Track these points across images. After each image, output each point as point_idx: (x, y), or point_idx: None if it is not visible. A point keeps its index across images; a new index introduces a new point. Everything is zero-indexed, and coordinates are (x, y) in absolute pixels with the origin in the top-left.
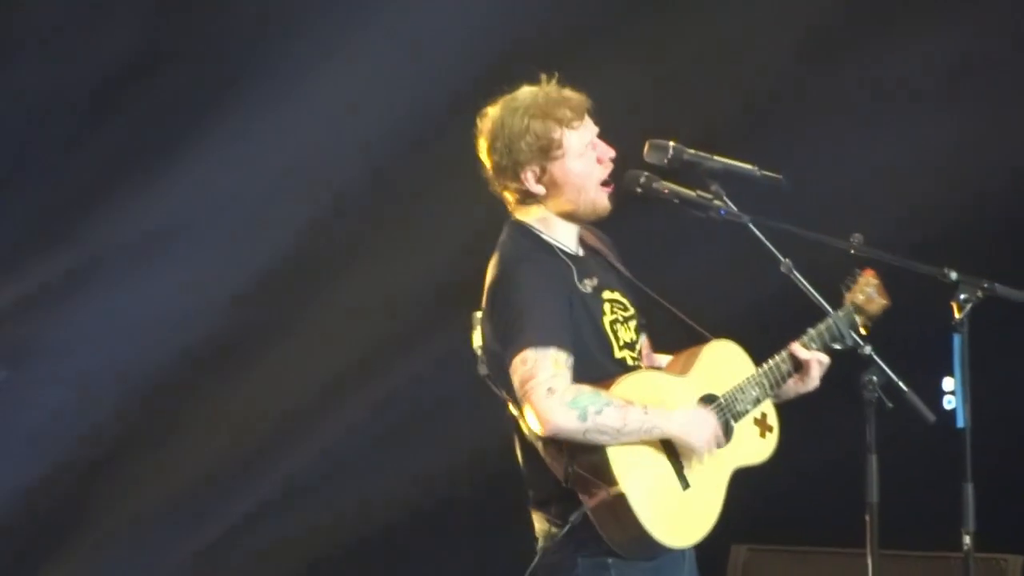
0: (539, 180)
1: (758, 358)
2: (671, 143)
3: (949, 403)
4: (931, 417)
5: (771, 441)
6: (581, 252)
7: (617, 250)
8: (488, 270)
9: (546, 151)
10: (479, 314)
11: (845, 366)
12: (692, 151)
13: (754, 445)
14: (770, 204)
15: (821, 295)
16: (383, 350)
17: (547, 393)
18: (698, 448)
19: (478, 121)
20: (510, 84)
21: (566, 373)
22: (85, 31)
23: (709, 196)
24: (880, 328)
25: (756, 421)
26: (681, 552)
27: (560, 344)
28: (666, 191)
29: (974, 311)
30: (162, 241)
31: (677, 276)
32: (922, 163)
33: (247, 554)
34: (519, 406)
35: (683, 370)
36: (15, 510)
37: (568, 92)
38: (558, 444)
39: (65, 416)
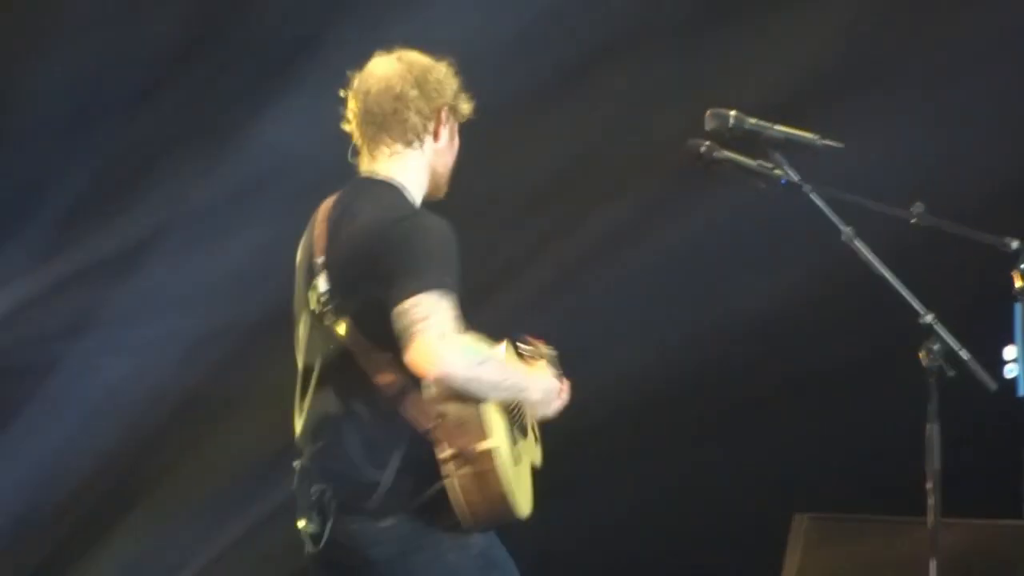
0: (444, 125)
1: None
2: (732, 112)
3: (1010, 371)
4: (992, 385)
5: (540, 449)
6: None
7: None
8: (366, 216)
9: (460, 112)
10: (320, 259)
11: (907, 335)
12: (753, 120)
13: (534, 448)
14: (831, 174)
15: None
16: None
17: (440, 336)
18: (548, 412)
19: (386, 53)
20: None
21: (456, 323)
22: None
23: (770, 165)
24: (941, 297)
25: (532, 427)
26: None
27: (454, 297)
28: (727, 160)
29: None
30: (224, 210)
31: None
32: (986, 132)
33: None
34: (386, 345)
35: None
36: (75, 481)
37: None
38: (420, 394)
39: (125, 387)
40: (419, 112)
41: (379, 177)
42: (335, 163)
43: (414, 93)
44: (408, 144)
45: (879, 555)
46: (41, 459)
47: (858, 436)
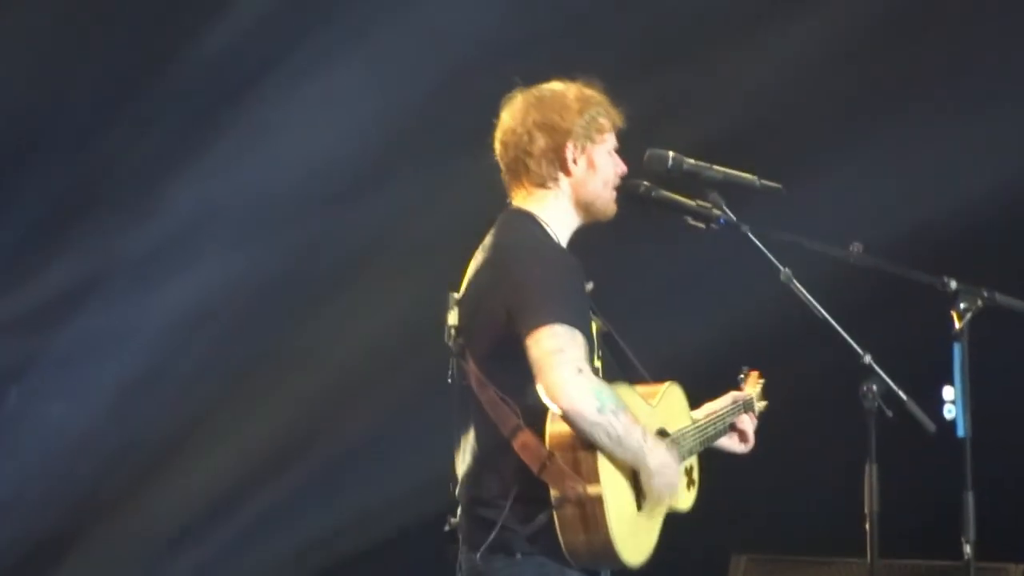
0: (576, 159)
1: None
2: (670, 152)
3: (949, 412)
4: (931, 426)
5: (693, 494)
6: None
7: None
8: (489, 248)
9: (595, 133)
10: (456, 295)
11: (846, 375)
12: (692, 160)
13: (682, 493)
14: (772, 215)
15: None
16: (376, 378)
17: (577, 371)
18: (656, 493)
19: (519, 92)
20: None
21: (590, 361)
22: (88, 32)
23: (708, 205)
24: (880, 337)
25: (685, 471)
26: None
27: (585, 333)
28: (666, 200)
29: (974, 320)
30: (166, 254)
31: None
32: (923, 174)
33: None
34: (501, 381)
35: (647, 399)
36: (18, 523)
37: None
38: (539, 431)
39: (67, 429)
40: (543, 156)
41: (517, 207)
42: (269, 211)
43: (536, 135)
44: (541, 186)
45: None
46: None
47: (798, 476)
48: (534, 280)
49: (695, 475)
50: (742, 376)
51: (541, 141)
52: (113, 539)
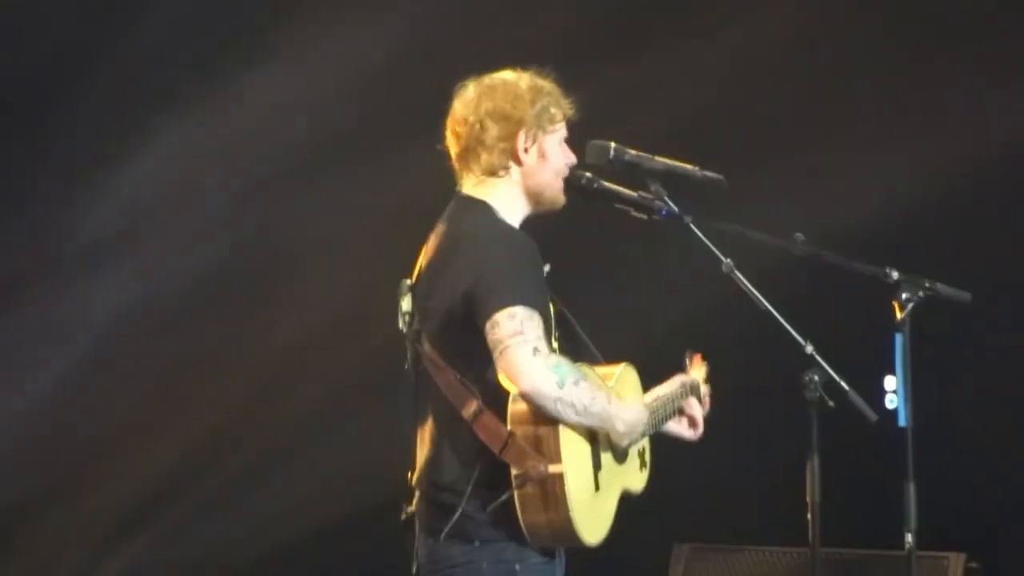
0: (527, 149)
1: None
2: (612, 143)
3: (891, 402)
4: (873, 416)
5: (645, 475)
6: None
7: None
8: (443, 235)
9: (546, 122)
10: (409, 281)
11: (787, 365)
12: (633, 151)
13: (636, 475)
14: (713, 205)
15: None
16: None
17: (533, 352)
18: (624, 443)
19: (471, 81)
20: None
21: (546, 340)
22: (18, 23)
23: (650, 196)
24: (821, 327)
25: (638, 453)
26: (561, 559)
27: (543, 313)
28: (607, 191)
29: (915, 310)
30: (104, 247)
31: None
32: (866, 164)
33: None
34: (460, 365)
35: (604, 379)
36: None
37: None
38: (499, 411)
39: (3, 419)
40: (494, 146)
41: (468, 194)
42: (206, 204)
43: (488, 124)
44: (492, 174)
45: None
46: None
47: (739, 465)
48: (492, 264)
49: (647, 457)
50: (687, 359)
51: (493, 130)
52: (48, 532)
